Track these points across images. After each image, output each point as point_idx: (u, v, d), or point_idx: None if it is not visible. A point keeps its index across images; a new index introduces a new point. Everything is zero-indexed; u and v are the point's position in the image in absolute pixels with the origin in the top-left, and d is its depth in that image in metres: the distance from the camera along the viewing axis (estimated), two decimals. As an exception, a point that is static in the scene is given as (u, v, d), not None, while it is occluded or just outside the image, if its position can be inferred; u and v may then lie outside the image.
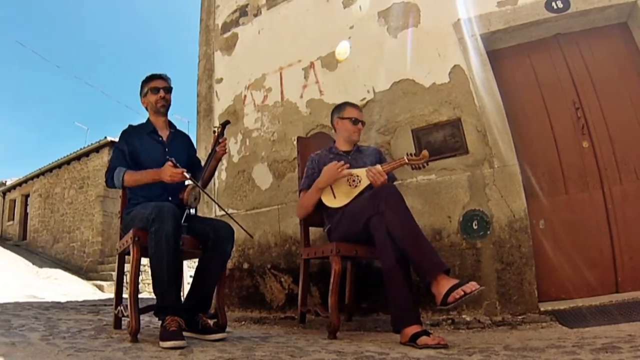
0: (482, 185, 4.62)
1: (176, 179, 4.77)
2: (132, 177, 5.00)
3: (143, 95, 5.48)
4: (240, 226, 5.12)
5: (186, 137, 5.61)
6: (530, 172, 4.71)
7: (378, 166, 4.57)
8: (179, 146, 5.42)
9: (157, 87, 5.43)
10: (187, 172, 4.75)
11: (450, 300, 3.65)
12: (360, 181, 4.85)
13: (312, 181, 5.07)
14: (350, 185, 4.90)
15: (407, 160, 4.44)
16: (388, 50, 5.35)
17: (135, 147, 5.30)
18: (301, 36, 6.30)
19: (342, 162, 4.81)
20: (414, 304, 3.93)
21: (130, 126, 5.58)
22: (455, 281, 3.70)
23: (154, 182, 4.90)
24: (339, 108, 5.02)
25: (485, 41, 4.81)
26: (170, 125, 5.55)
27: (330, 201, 4.91)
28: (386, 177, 4.51)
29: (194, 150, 5.49)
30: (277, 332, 5.06)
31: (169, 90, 5.47)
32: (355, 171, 4.89)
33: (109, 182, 5.20)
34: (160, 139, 5.37)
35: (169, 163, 4.74)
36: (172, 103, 5.45)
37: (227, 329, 4.79)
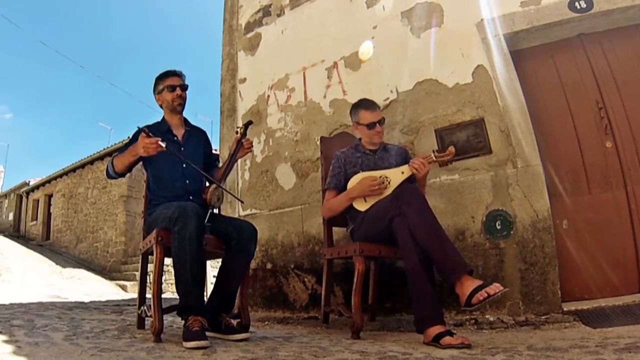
0: (506, 185, 4.64)
1: (151, 150, 4.71)
2: (119, 160, 5.01)
3: (158, 92, 5.47)
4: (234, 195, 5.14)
5: (202, 134, 5.61)
6: (554, 172, 4.73)
7: (421, 158, 4.60)
8: (195, 144, 5.45)
9: (173, 85, 5.45)
10: (161, 140, 4.73)
11: (474, 302, 3.67)
12: (389, 182, 4.88)
13: (338, 181, 5.11)
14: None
15: (434, 158, 4.47)
16: (411, 50, 5.38)
17: None
18: (324, 36, 6.34)
19: (379, 183, 4.84)
20: (438, 304, 3.95)
21: (146, 126, 5.59)
22: (479, 282, 3.73)
23: (134, 158, 4.93)
24: (354, 111, 5.03)
25: (508, 41, 4.83)
26: (186, 122, 5.58)
27: (360, 205, 4.95)
28: (429, 169, 4.54)
29: (210, 147, 5.50)
30: (300, 332, 5.09)
31: (185, 87, 5.49)
32: (384, 172, 4.91)
33: (107, 173, 5.24)
34: (176, 138, 5.41)
35: (142, 134, 4.71)
36: (195, 102, 5.47)
37: (250, 329, 4.83)
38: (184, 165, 5.21)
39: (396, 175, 4.87)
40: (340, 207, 4.96)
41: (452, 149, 4.42)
